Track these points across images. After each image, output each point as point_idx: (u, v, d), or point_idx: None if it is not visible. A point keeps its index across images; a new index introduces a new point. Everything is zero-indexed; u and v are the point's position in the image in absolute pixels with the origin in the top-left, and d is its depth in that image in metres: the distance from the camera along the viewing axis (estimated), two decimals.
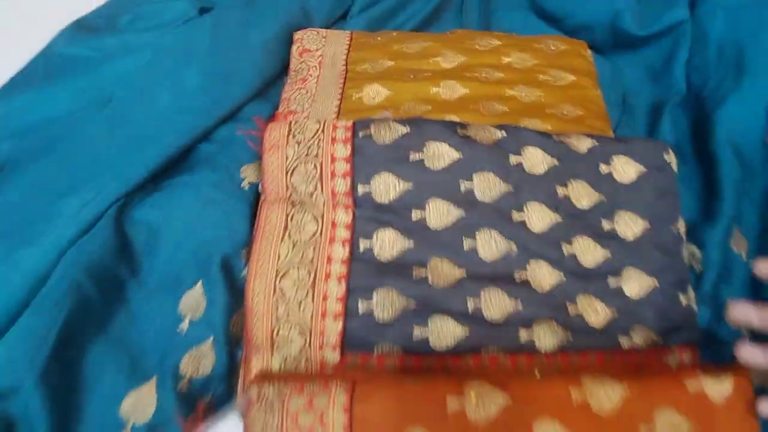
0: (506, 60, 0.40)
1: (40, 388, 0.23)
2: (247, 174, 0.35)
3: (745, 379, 0.26)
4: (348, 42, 0.41)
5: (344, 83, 0.38)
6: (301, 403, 0.24)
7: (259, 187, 0.33)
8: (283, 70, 0.42)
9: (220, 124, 0.37)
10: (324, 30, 0.42)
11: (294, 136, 0.30)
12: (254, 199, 0.34)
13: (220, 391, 0.29)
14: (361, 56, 0.40)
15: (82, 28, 0.43)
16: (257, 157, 0.35)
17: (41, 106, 0.37)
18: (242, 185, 0.34)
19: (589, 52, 0.42)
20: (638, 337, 0.29)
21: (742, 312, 0.25)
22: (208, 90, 0.38)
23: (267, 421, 0.24)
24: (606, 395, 0.24)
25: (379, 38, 0.42)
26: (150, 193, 0.33)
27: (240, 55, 0.40)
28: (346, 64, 0.40)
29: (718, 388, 0.25)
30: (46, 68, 0.41)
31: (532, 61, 0.40)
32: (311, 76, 0.39)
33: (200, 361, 0.29)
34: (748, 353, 0.25)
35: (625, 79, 0.45)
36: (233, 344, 0.30)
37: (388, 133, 0.30)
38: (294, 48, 0.41)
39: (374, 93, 0.37)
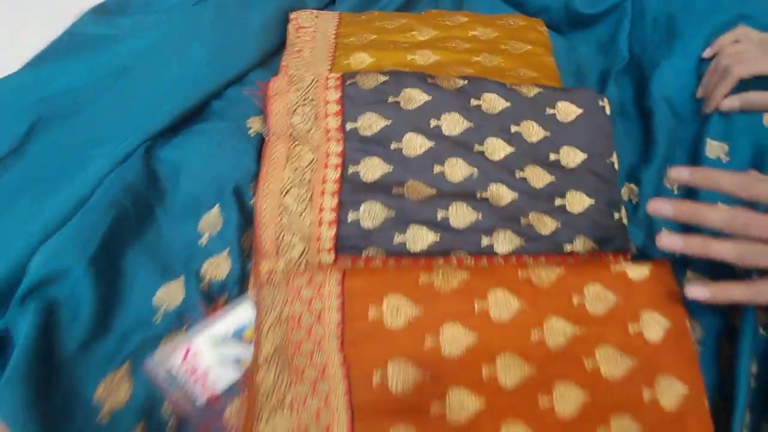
0: (472, 33, 0.46)
1: (88, 273, 0.29)
2: (253, 124, 0.41)
3: (665, 267, 0.32)
4: (337, 20, 0.48)
5: (334, 52, 0.44)
6: (303, 281, 0.29)
7: (264, 133, 0.39)
8: (281, 45, 0.49)
9: (229, 86, 0.43)
10: (316, 11, 0.49)
11: (294, 85, 0.37)
12: (258, 144, 0.40)
13: (234, 293, 0.34)
14: (348, 31, 0.47)
15: (99, 11, 0.49)
16: (261, 112, 0.41)
17: (66, 76, 0.43)
18: (249, 133, 0.40)
19: (544, 27, 0.49)
20: (579, 244, 0.35)
21: (658, 206, 0.30)
22: (212, 60, 0.44)
23: (276, 297, 0.30)
24: (545, 274, 0.30)
25: (363, 17, 0.49)
26: (170, 138, 0.39)
27: (241, 32, 0.46)
28: (336, 38, 0.46)
29: (637, 271, 0.32)
30: (69, 45, 0.47)
31: (494, 34, 0.47)
32: (306, 47, 0.45)
33: (218, 268, 0.34)
34: (667, 239, 0.30)
35: (579, 54, 0.52)
36: (244, 257, 0.35)
37: (370, 81, 0.37)
38: (290, 25, 0.48)
39: (360, 59, 0.44)
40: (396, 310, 0.29)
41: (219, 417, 0.31)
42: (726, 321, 0.35)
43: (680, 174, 0.31)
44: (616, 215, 0.36)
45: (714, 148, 0.42)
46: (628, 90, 0.49)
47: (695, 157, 0.42)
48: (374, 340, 0.28)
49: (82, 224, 0.30)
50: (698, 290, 0.30)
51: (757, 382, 0.34)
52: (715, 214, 0.29)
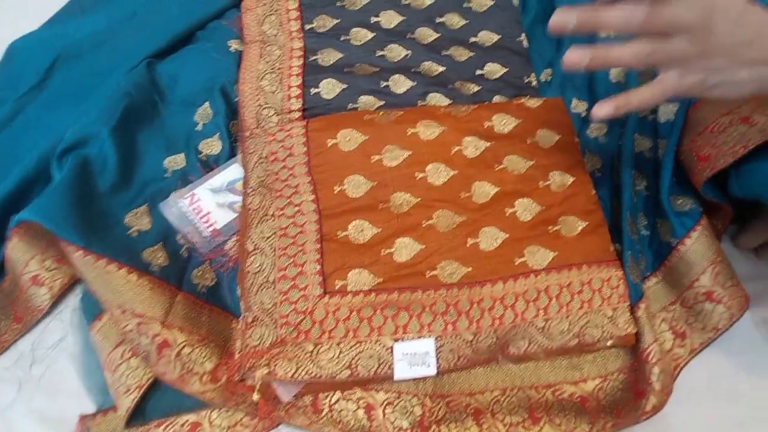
0: None
1: (112, 136, 0.38)
2: (232, 44, 0.50)
3: (557, 100, 0.41)
4: None
5: None
6: (276, 128, 0.39)
7: (241, 46, 0.48)
8: None
9: (211, 20, 0.52)
10: None
11: (260, 0, 0.46)
12: (238, 57, 0.48)
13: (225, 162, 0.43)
14: None
15: None
16: (238, 36, 0.50)
17: (86, 25, 0.52)
18: (230, 49, 0.49)
19: None
20: (498, 99, 0.44)
21: (561, 17, 0.29)
22: (200, 1, 0.53)
23: (257, 143, 0.38)
24: (462, 109, 0.39)
25: None
26: (166, 56, 0.48)
27: None
28: None
29: (533, 102, 0.40)
30: (80, 6, 0.56)
31: None
32: None
33: (212, 145, 0.43)
34: (574, 52, 0.30)
35: None
36: (232, 139, 0.44)
37: None
38: None
39: None
40: (347, 139, 0.37)
41: (221, 247, 0.40)
42: (616, 149, 0.43)
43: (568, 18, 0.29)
44: (527, 79, 0.45)
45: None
46: (547, 1, 0.58)
47: (593, 40, 0.51)
48: (333, 162, 0.37)
49: (104, 106, 0.40)
50: (602, 108, 0.31)
51: (648, 192, 0.42)
52: (613, 14, 0.29)
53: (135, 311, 0.31)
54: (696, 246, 0.35)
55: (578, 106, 0.49)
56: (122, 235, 0.35)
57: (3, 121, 0.46)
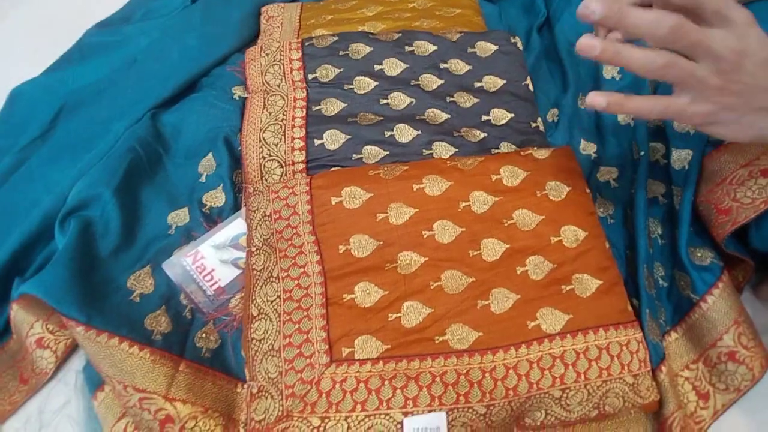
0: (411, 5, 0.56)
1: (114, 197, 0.38)
2: (237, 91, 0.50)
3: (566, 149, 0.40)
4: (299, 9, 0.57)
5: (299, 31, 0.54)
6: (280, 185, 0.38)
7: (245, 93, 0.48)
8: (257, 36, 0.58)
9: (215, 66, 0.52)
10: (283, 3, 0.59)
11: (264, 51, 0.46)
12: (242, 105, 0.48)
13: (229, 216, 0.42)
14: (309, 15, 0.56)
15: (103, 25, 0.59)
16: (242, 83, 0.50)
17: (88, 73, 0.53)
18: (234, 97, 0.49)
19: None
20: (504, 148, 0.43)
21: (587, 5, 0.26)
22: (202, 47, 0.53)
23: (260, 200, 0.38)
24: (469, 161, 0.38)
25: (321, 4, 0.58)
26: (170, 107, 0.48)
27: (224, 25, 0.56)
28: (300, 21, 0.56)
29: (541, 153, 0.39)
30: (80, 53, 0.56)
31: (430, 3, 0.56)
32: (276, 31, 0.55)
33: (215, 198, 0.43)
34: (586, 39, 0.27)
35: (508, 16, 0.62)
36: (236, 190, 0.44)
37: (324, 41, 0.46)
38: (262, 17, 0.57)
39: (320, 33, 0.53)
40: (352, 197, 0.36)
41: (225, 306, 0.39)
42: (629, 195, 0.42)
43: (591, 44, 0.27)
44: (533, 124, 0.44)
45: (609, 70, 0.50)
46: (548, 39, 0.58)
47: (597, 80, 0.50)
48: (338, 221, 0.36)
49: (107, 165, 0.40)
50: (597, 98, 0.29)
51: (664, 240, 0.41)
52: (641, 14, 0.26)
53: (136, 386, 0.30)
54: (718, 304, 0.34)
55: (587, 147, 0.48)
56: (124, 302, 0.34)
57: (5, 173, 0.46)
